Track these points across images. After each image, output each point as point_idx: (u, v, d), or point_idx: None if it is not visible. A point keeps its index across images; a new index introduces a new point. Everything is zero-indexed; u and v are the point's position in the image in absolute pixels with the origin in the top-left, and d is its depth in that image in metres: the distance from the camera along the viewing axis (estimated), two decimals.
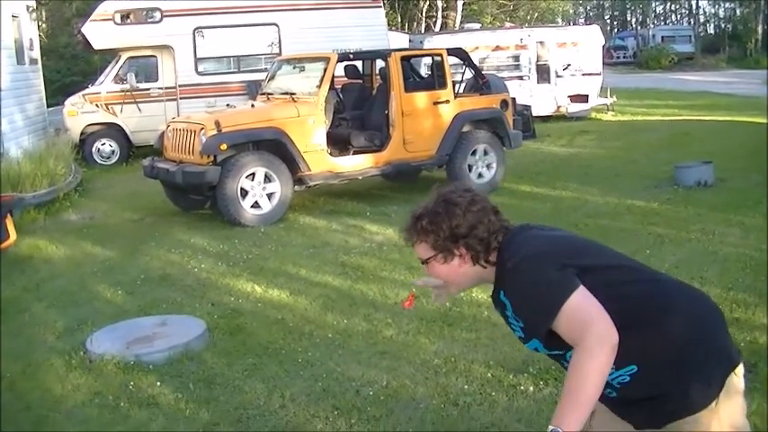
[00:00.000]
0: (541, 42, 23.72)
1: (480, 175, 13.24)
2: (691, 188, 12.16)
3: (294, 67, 13.74)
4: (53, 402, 6.06)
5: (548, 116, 22.81)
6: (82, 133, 18.50)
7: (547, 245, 3.06)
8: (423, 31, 43.30)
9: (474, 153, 13.17)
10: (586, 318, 2.75)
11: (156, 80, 18.87)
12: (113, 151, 18.74)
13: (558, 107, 23.41)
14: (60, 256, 10.49)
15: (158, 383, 6.23)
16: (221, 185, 11.15)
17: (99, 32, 18.58)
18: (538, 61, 23.58)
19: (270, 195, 11.52)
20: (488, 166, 13.32)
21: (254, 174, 11.36)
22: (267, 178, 11.46)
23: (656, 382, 2.93)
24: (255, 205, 11.47)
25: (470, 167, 13.14)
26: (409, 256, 9.30)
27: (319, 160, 11.89)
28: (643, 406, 3.01)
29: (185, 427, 5.53)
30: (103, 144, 18.69)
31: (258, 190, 11.42)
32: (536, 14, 53.65)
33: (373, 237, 10.60)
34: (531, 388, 5.74)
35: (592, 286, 2.83)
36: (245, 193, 11.33)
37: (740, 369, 2.98)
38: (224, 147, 11.14)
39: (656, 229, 10.00)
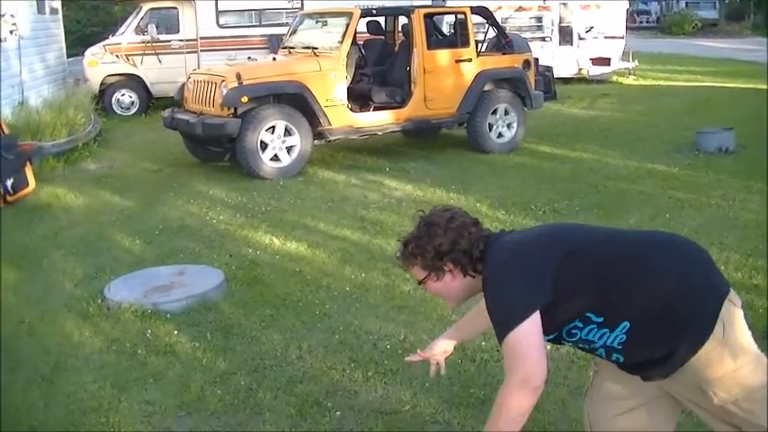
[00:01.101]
0: (564, 4, 23.44)
1: (500, 135, 13.16)
2: (712, 154, 12.05)
3: (316, 22, 13.61)
4: (71, 348, 6.08)
5: (569, 78, 22.61)
6: (101, 84, 18.43)
7: (511, 257, 3.18)
8: None
9: (495, 112, 13.07)
10: (522, 354, 2.96)
11: (177, 32, 18.75)
12: (133, 102, 18.68)
13: (580, 69, 23.18)
14: (79, 205, 10.50)
15: (175, 332, 6.25)
16: (241, 138, 11.12)
17: None
18: (560, 23, 23.32)
19: (289, 149, 11.49)
20: (509, 126, 13.22)
21: (274, 127, 11.32)
22: (287, 131, 11.42)
23: (653, 333, 3.07)
24: (275, 158, 11.44)
25: (491, 127, 13.04)
26: None
27: (340, 115, 11.85)
28: (650, 364, 3.14)
29: (202, 375, 5.54)
30: (123, 95, 18.63)
31: (278, 143, 11.39)
32: None
33: (392, 192, 10.58)
34: (549, 346, 5.69)
35: (566, 273, 3.07)
36: (264, 145, 11.30)
37: (732, 296, 3.12)
38: (245, 99, 11.10)
39: (677, 193, 9.93)
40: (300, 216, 9.48)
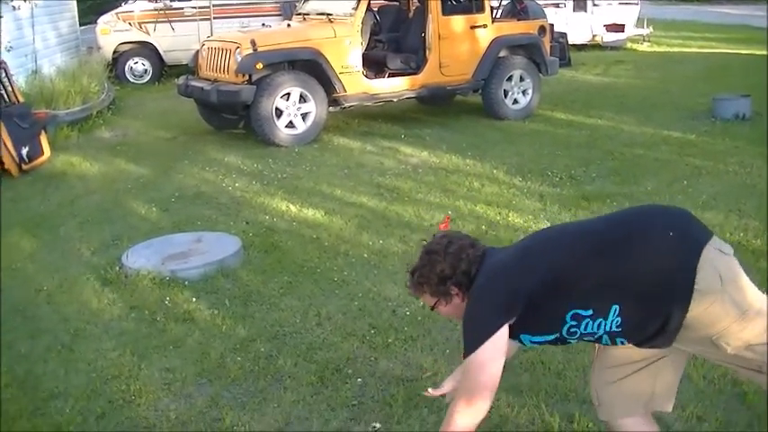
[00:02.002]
0: None
1: (515, 101, 13.08)
2: (728, 121, 11.94)
3: None
4: (90, 315, 6.09)
5: (583, 45, 22.47)
6: (114, 52, 18.34)
7: (485, 280, 3.32)
8: None
9: (510, 79, 12.98)
10: (473, 378, 3.22)
11: None
12: (146, 70, 18.61)
13: (594, 36, 23.01)
14: (94, 173, 10.49)
15: (194, 299, 6.25)
16: (256, 105, 11.06)
17: None
18: None
19: (304, 116, 11.44)
20: (524, 93, 13.14)
21: (289, 93, 11.25)
22: (302, 98, 11.35)
23: (644, 305, 3.13)
24: (290, 125, 11.39)
25: (506, 93, 12.97)
26: (444, 179, 9.32)
27: (355, 81, 11.78)
28: (654, 335, 3.19)
29: (222, 342, 5.54)
30: (136, 63, 18.56)
31: (293, 110, 11.33)
32: None
33: (408, 159, 10.54)
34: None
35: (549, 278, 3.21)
36: (279, 112, 11.25)
37: (717, 244, 3.18)
38: (260, 66, 11.04)
39: (693, 160, 9.86)
40: (316, 183, 9.45)
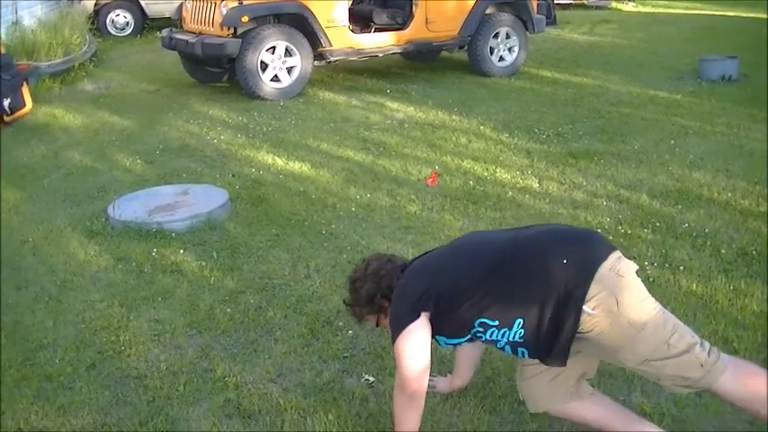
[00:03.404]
0: None
1: (501, 59, 13.01)
2: (715, 82, 11.91)
3: None
4: (77, 267, 6.05)
5: (567, 4, 22.35)
6: (96, 4, 18.10)
7: (405, 280, 3.61)
8: None
9: (496, 36, 12.91)
10: (400, 364, 3.47)
11: None
12: (127, 23, 18.38)
13: None
14: (77, 125, 10.40)
15: (181, 251, 6.22)
16: (241, 58, 10.97)
17: None
18: None
19: (290, 69, 11.35)
20: (510, 50, 13.07)
21: (274, 47, 11.16)
22: (288, 52, 11.26)
23: (544, 324, 3.30)
24: (275, 79, 11.31)
25: (492, 50, 12.89)
26: (431, 135, 9.29)
27: (341, 36, 11.68)
28: (550, 349, 3.38)
29: (210, 294, 5.51)
30: (117, 15, 18.32)
31: (278, 63, 11.24)
32: None
33: (394, 114, 10.48)
34: None
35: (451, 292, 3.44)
36: (264, 66, 11.16)
37: (615, 264, 3.32)
38: (245, 19, 10.91)
39: (680, 120, 9.82)
40: (302, 136, 9.39)
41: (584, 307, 3.22)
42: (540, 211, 6.87)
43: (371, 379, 4.41)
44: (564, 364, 3.40)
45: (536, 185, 7.56)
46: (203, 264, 5.99)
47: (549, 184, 7.57)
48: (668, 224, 6.48)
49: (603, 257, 3.31)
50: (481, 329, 3.41)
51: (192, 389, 4.38)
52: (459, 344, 3.64)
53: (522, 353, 3.45)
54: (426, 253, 3.81)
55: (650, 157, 8.28)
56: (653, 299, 3.38)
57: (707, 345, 3.35)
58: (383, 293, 3.64)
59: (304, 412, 4.12)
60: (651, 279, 5.44)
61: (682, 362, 3.29)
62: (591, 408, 3.68)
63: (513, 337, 3.38)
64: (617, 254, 3.37)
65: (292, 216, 6.89)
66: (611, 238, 6.11)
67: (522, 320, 3.32)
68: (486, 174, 7.93)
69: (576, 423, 3.77)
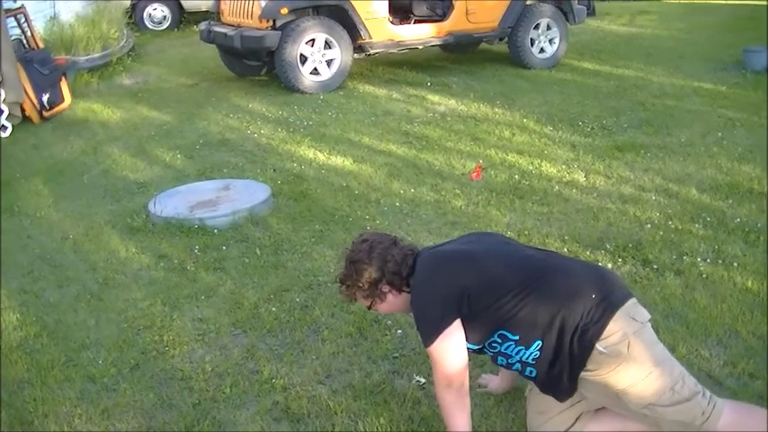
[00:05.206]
0: None
1: (542, 50, 12.85)
2: (759, 73, 11.63)
3: None
4: (118, 264, 5.97)
5: None
6: None
7: (429, 275, 3.50)
8: None
9: (537, 27, 12.75)
10: (440, 362, 3.39)
11: None
12: (164, 17, 18.40)
13: None
14: (116, 120, 10.35)
15: (224, 247, 6.12)
16: (280, 51, 10.87)
17: None
18: None
19: (329, 62, 11.26)
20: (551, 41, 12.91)
21: (313, 40, 11.06)
22: (327, 45, 11.17)
23: (559, 348, 3.33)
24: (315, 72, 11.22)
25: (532, 42, 12.74)
26: (474, 128, 9.15)
27: (380, 28, 11.57)
28: (557, 380, 3.42)
29: (255, 291, 5.41)
30: (155, 9, 18.35)
31: (318, 56, 11.15)
32: None
33: (435, 107, 10.34)
34: (610, 265, 5.54)
35: (477, 298, 3.38)
36: (304, 59, 11.07)
37: (631, 310, 3.37)
38: (284, 11, 10.83)
39: (726, 112, 9.60)
40: (343, 131, 9.28)
41: (598, 345, 3.27)
42: (588, 206, 6.71)
43: (422, 380, 4.27)
44: (571, 394, 3.45)
45: (582, 179, 7.41)
46: (246, 260, 5.89)
47: (596, 178, 7.41)
48: (719, 219, 6.30)
49: (623, 301, 3.37)
50: (498, 341, 3.42)
51: (238, 391, 4.27)
52: (470, 352, 3.52)
53: (531, 371, 3.47)
54: (442, 244, 3.78)
55: (697, 150, 8.09)
56: (662, 345, 3.48)
57: (708, 393, 3.40)
58: (387, 281, 3.56)
59: (355, 416, 4.00)
60: (704, 275, 5.30)
61: (684, 409, 3.33)
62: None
63: (527, 358, 3.41)
64: (634, 300, 3.44)
65: (336, 211, 6.77)
66: (661, 233, 5.99)
67: (540, 343, 3.35)
68: (531, 167, 7.78)
69: None
